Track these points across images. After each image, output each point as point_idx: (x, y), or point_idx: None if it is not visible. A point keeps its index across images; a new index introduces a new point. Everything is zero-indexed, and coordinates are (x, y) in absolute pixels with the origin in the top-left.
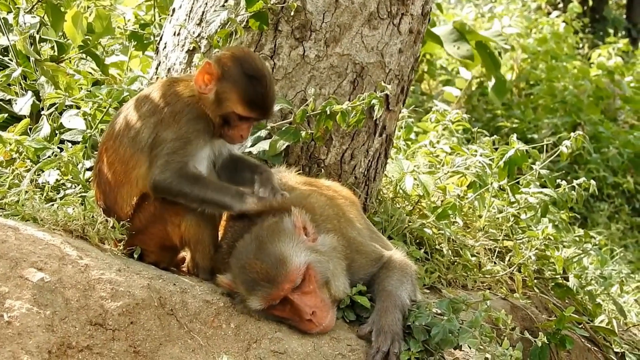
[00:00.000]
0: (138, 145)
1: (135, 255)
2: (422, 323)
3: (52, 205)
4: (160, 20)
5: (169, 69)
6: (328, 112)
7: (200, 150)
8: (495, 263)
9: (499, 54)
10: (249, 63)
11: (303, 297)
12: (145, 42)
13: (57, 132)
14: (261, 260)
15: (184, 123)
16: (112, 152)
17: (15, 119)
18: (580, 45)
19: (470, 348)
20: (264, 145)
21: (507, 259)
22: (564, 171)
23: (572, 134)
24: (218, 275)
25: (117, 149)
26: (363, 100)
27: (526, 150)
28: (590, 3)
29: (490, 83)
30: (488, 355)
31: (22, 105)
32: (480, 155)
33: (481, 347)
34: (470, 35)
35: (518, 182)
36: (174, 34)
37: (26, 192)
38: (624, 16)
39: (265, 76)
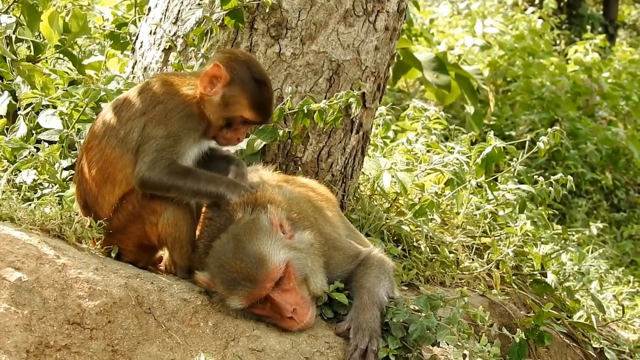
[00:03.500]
0: (128, 146)
1: (113, 254)
2: (400, 320)
3: (30, 205)
4: (138, 20)
5: (145, 67)
6: (305, 111)
7: (188, 149)
8: (473, 260)
9: (477, 90)
10: (257, 67)
11: (283, 294)
12: (122, 41)
13: (33, 132)
14: (240, 260)
15: (176, 121)
16: (97, 151)
17: None
18: (557, 42)
19: (448, 345)
20: (242, 144)
21: (485, 255)
22: (542, 168)
23: (549, 130)
24: (197, 272)
25: (103, 149)
26: (340, 98)
27: (504, 147)
28: None
29: (470, 109)
30: (466, 352)
31: None
32: (458, 153)
33: (459, 343)
34: (451, 67)
35: (496, 179)
36: (150, 33)
37: (3, 192)
38: (601, 12)
39: (269, 81)
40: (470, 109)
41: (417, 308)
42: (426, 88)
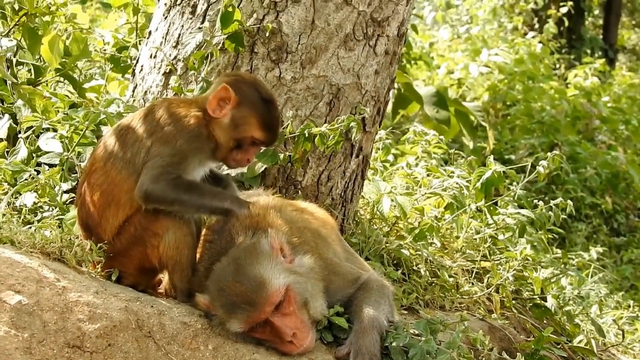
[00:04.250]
0: (134, 167)
1: (113, 278)
2: (399, 344)
3: (30, 227)
4: (139, 43)
5: (146, 91)
6: (306, 135)
7: (193, 170)
8: (472, 284)
9: (476, 126)
10: (263, 88)
11: (283, 318)
12: (122, 65)
13: (34, 155)
14: (240, 283)
15: (184, 141)
16: (102, 174)
17: None
18: (557, 66)
19: None
20: (242, 168)
21: (485, 279)
22: (542, 192)
23: (549, 154)
24: (197, 295)
25: (108, 171)
26: (341, 123)
27: (503, 171)
28: (567, 24)
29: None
30: None
31: None
32: (458, 177)
33: None
34: (451, 103)
35: (496, 203)
36: (150, 57)
37: (3, 214)
38: (601, 37)
39: (276, 100)
40: (469, 143)
41: (417, 332)
42: (425, 123)
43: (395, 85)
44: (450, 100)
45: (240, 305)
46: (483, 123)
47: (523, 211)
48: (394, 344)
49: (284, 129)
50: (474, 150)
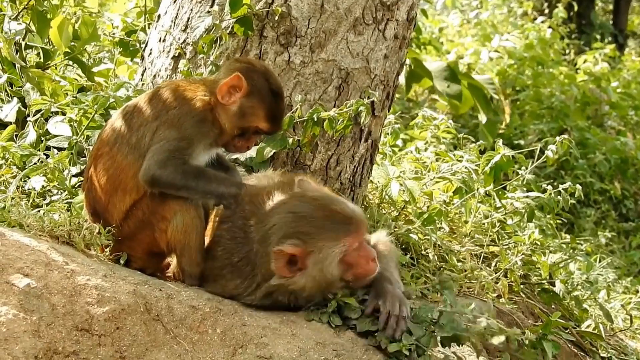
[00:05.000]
0: (140, 152)
1: (122, 261)
2: (426, 314)
3: (38, 211)
4: (148, 27)
5: (155, 75)
6: (315, 119)
7: (199, 155)
8: (481, 269)
9: (491, 98)
10: (274, 78)
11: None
12: (131, 49)
13: (42, 138)
14: (339, 204)
15: (190, 125)
16: (108, 158)
17: (1, 125)
18: (567, 51)
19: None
20: (251, 152)
21: (493, 264)
22: (550, 178)
23: (557, 138)
24: (279, 247)
25: (114, 156)
26: (350, 107)
27: (512, 156)
28: (577, 9)
29: (483, 118)
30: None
31: (8, 111)
32: (466, 161)
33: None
34: (462, 77)
35: (504, 188)
36: (160, 40)
37: (12, 198)
38: (611, 22)
39: (283, 92)
40: (482, 117)
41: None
42: (439, 97)
43: (407, 62)
44: (462, 74)
45: (346, 226)
46: (495, 96)
47: (532, 195)
48: (420, 314)
49: (292, 113)
50: (487, 123)
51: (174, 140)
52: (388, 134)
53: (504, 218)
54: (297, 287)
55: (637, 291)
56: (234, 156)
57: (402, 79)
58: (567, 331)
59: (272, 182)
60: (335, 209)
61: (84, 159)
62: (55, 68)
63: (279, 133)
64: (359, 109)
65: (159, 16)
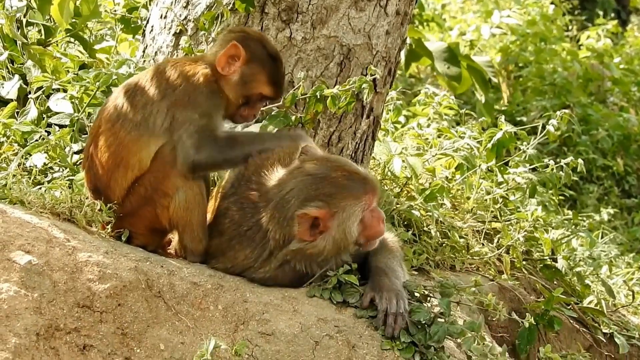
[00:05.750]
0: (146, 129)
1: (123, 238)
2: (419, 319)
3: (40, 188)
4: (149, 3)
5: (156, 52)
6: (318, 96)
7: (221, 126)
8: (483, 245)
9: (489, 80)
10: (269, 43)
11: None
12: (133, 25)
13: (44, 116)
14: (354, 167)
15: (203, 100)
16: (110, 135)
17: (2, 102)
18: (569, 27)
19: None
20: (254, 129)
21: (495, 240)
22: (553, 154)
23: (557, 113)
24: (304, 210)
25: (117, 133)
26: (353, 84)
27: (514, 133)
28: None
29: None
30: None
31: (9, 88)
32: (469, 138)
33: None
34: (462, 58)
35: (507, 164)
36: (161, 17)
37: (14, 175)
38: None
39: (280, 56)
40: (481, 97)
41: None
42: (437, 78)
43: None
44: (462, 55)
45: (364, 185)
46: (494, 78)
47: (534, 168)
48: (413, 318)
49: (295, 90)
50: (486, 104)
51: (196, 120)
52: (390, 110)
53: (506, 194)
54: (316, 251)
55: None
56: (239, 127)
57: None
58: (569, 307)
59: (275, 153)
60: (351, 169)
61: (86, 136)
62: (57, 45)
63: (281, 110)
64: (362, 86)
65: None
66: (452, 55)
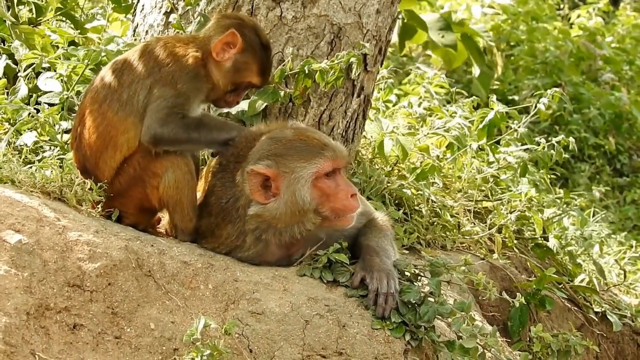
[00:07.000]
0: (131, 109)
1: (113, 217)
2: (410, 299)
3: (30, 167)
4: None
5: (147, 31)
6: (306, 71)
7: (195, 111)
8: (474, 224)
9: (484, 50)
10: (263, 33)
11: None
12: (124, 4)
13: (33, 94)
14: (318, 134)
15: (185, 81)
16: (98, 115)
17: None
18: (561, 6)
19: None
20: (243, 105)
21: (487, 219)
22: (545, 133)
23: (548, 91)
24: (253, 166)
25: (104, 113)
26: (341, 58)
27: (506, 112)
28: None
29: (476, 71)
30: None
31: None
32: (460, 117)
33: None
34: (457, 27)
35: (498, 143)
36: None
37: (4, 154)
38: None
39: (271, 46)
40: (476, 70)
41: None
42: (432, 51)
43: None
44: (455, 24)
45: (320, 150)
46: (490, 42)
47: (525, 147)
48: (404, 298)
49: (283, 66)
50: (481, 76)
51: (171, 98)
52: (381, 89)
53: (498, 173)
54: (272, 216)
55: (632, 246)
56: (224, 110)
57: (395, 37)
58: (560, 286)
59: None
60: (313, 137)
61: (75, 114)
62: (48, 22)
63: (270, 86)
64: (350, 61)
65: None
66: (446, 24)
